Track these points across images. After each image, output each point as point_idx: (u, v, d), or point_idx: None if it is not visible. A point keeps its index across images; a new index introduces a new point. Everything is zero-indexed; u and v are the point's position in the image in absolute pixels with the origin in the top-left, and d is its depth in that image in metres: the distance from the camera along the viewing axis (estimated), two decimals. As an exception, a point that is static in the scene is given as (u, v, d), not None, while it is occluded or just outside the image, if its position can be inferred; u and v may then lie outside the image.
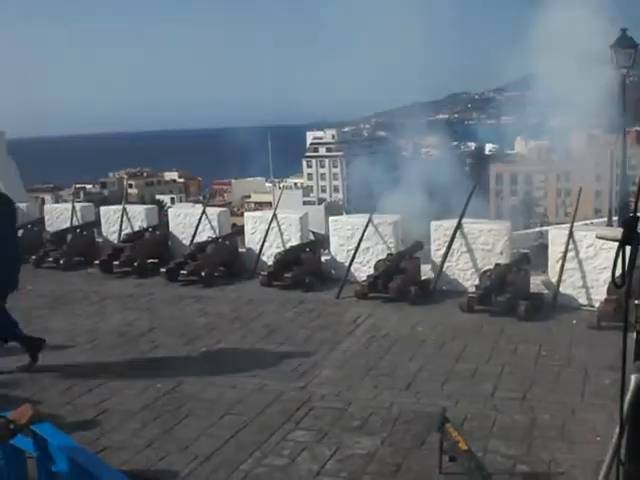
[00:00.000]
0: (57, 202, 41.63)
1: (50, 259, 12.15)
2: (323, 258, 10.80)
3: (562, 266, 8.79)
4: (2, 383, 6.77)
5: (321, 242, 11.26)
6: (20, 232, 12.77)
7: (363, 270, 10.07)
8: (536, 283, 9.10)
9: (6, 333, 7.12)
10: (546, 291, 8.98)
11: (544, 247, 9.66)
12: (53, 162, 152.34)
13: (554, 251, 9.00)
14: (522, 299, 8.47)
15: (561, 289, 8.81)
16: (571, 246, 8.82)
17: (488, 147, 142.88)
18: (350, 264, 10.04)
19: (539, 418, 5.72)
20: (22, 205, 13.83)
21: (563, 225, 9.82)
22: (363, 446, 5.36)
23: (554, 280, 8.90)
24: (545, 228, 11.12)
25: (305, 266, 10.28)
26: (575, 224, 9.11)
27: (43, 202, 28.13)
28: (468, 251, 9.56)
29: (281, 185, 77.78)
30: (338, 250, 10.53)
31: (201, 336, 8.22)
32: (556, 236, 9.05)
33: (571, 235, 8.84)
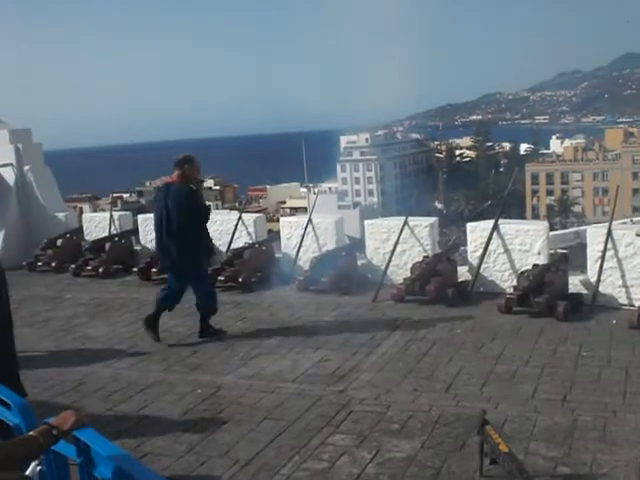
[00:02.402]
0: (95, 211, 42.13)
1: (89, 267, 12.31)
2: (359, 262, 10.79)
3: (601, 265, 8.70)
4: (45, 390, 6.85)
5: (357, 246, 11.25)
6: (59, 241, 13.01)
7: (399, 273, 10.05)
8: (575, 283, 9.00)
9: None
10: (585, 291, 8.90)
11: (582, 247, 9.57)
12: (90, 172, 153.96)
13: (592, 250, 8.91)
14: (561, 299, 8.40)
15: (600, 289, 8.72)
16: (610, 245, 8.73)
17: (523, 147, 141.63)
18: (386, 267, 10.02)
19: (580, 419, 5.67)
20: (60, 215, 14.03)
21: (601, 224, 9.70)
22: (403, 449, 5.35)
23: (593, 280, 8.81)
24: (583, 227, 10.99)
25: (342, 270, 10.28)
26: (613, 222, 9.01)
27: (81, 211, 28.49)
28: (505, 252, 9.50)
29: (316, 190, 77.77)
30: (374, 253, 10.52)
31: (239, 341, 8.27)
32: (594, 235, 8.96)
33: (610, 234, 8.75)
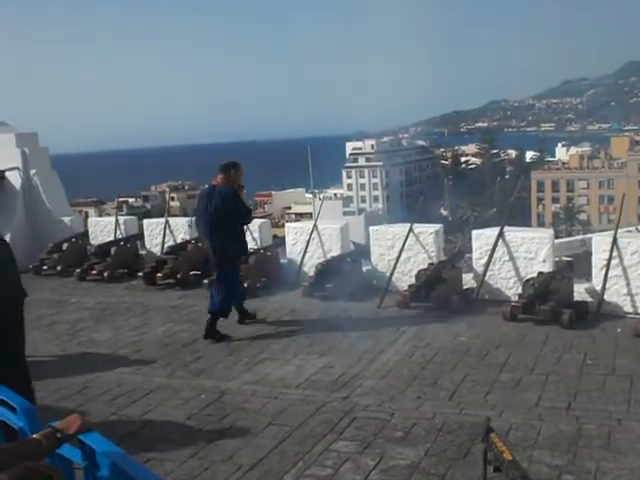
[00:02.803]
0: (101, 216, 42.21)
1: (94, 272, 12.35)
2: (364, 268, 10.79)
3: (606, 273, 8.69)
4: (50, 394, 6.86)
5: (362, 252, 11.25)
6: (65, 246, 13.04)
7: (404, 280, 10.05)
8: (580, 291, 8.99)
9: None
10: (590, 299, 8.88)
11: (588, 254, 9.56)
12: (96, 176, 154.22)
13: (598, 258, 8.90)
14: (566, 307, 8.39)
15: (605, 297, 8.71)
16: (615, 253, 8.72)
17: (529, 154, 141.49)
18: (391, 274, 10.03)
19: (584, 428, 5.66)
20: (66, 219, 14.06)
21: (606, 232, 9.68)
22: (406, 456, 5.35)
23: (598, 288, 8.80)
24: (588, 235, 10.98)
25: (346, 276, 10.28)
26: (619, 230, 9.00)
27: (87, 216, 28.56)
28: (510, 259, 9.49)
29: (321, 196, 77.85)
30: (379, 260, 10.52)
31: (244, 347, 8.28)
32: (600, 243, 8.95)
33: (615, 242, 8.74)
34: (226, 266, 8.74)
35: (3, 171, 14.07)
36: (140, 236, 13.33)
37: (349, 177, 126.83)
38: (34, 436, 3.04)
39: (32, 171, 14.23)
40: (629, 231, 12.20)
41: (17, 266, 5.83)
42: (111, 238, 13.22)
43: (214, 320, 8.69)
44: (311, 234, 11.01)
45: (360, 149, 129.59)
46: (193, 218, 11.73)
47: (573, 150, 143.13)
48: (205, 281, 10.89)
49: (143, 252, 13.10)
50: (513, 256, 9.47)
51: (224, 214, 8.48)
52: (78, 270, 12.44)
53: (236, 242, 8.78)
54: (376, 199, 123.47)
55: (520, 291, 9.02)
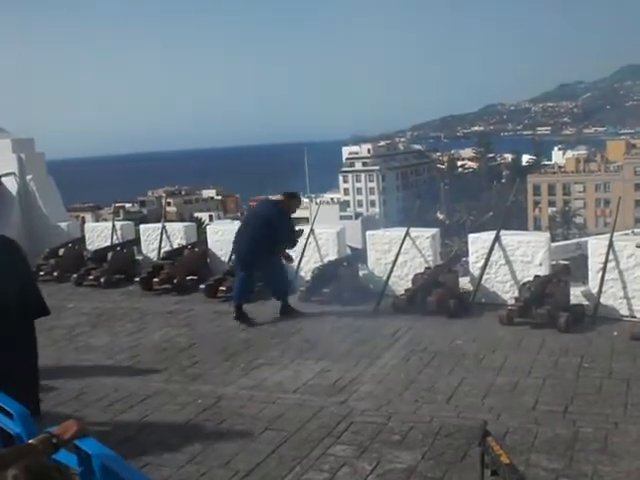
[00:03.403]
0: (97, 221, 42.19)
1: (91, 277, 12.32)
2: (361, 272, 10.79)
3: (602, 277, 8.70)
4: (46, 399, 6.85)
5: (358, 256, 11.25)
6: (61, 251, 13.02)
7: (401, 284, 10.05)
8: (576, 294, 9.00)
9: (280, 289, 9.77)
10: (587, 302, 8.90)
11: (584, 258, 9.57)
12: (93, 182, 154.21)
13: (594, 262, 8.91)
14: (562, 311, 8.40)
15: (602, 300, 8.72)
16: (611, 256, 8.73)
17: (525, 158, 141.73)
18: (388, 278, 10.03)
19: (581, 431, 5.67)
20: (63, 224, 14.06)
21: (602, 235, 9.70)
22: (403, 460, 5.35)
23: (594, 291, 8.81)
24: (584, 239, 10.99)
25: (343, 281, 10.29)
26: (615, 234, 9.01)
27: (84, 221, 28.54)
28: (507, 263, 9.50)
29: (318, 200, 77.83)
30: (375, 264, 10.52)
31: (241, 351, 8.27)
32: (596, 247, 8.96)
33: (611, 245, 8.75)
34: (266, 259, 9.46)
35: (-1, 176, 14.07)
36: (137, 241, 13.31)
37: (346, 181, 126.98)
38: (30, 441, 3.04)
39: (28, 177, 14.23)
40: (625, 234, 12.20)
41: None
42: (108, 243, 13.20)
43: (285, 300, 9.69)
44: (308, 238, 11.01)
45: (357, 153, 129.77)
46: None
47: (569, 154, 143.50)
48: (201, 286, 10.89)
49: (140, 257, 13.10)
50: (509, 260, 9.48)
51: (279, 227, 9.43)
52: (75, 275, 12.41)
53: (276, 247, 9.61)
54: (373, 203, 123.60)
55: (516, 295, 9.04)
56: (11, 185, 14.11)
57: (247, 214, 10.30)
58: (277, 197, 10.31)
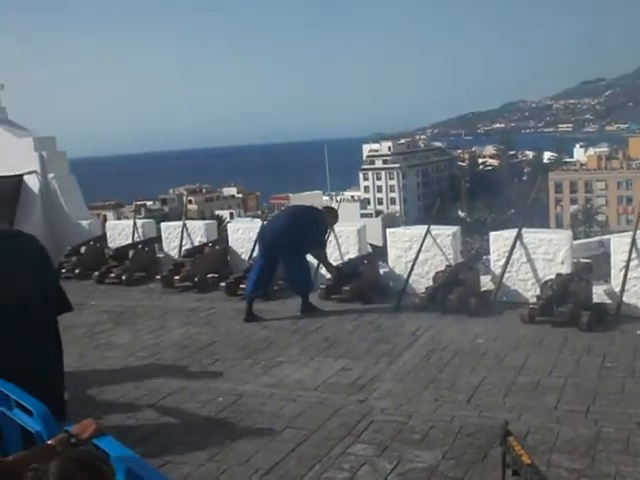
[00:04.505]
0: (119, 219, 42.39)
1: (112, 275, 12.37)
2: (381, 270, 10.77)
3: (625, 275, 8.62)
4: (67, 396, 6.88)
5: (379, 254, 11.22)
6: (83, 249, 13.10)
7: (422, 282, 10.01)
8: (599, 293, 8.92)
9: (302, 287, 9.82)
10: (609, 301, 8.82)
11: (606, 256, 9.49)
12: (114, 180, 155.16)
13: (616, 260, 8.83)
14: (585, 309, 8.33)
15: (624, 298, 8.64)
16: (634, 254, 8.65)
17: (547, 155, 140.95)
18: (408, 276, 9.99)
19: (603, 431, 5.61)
20: (84, 222, 14.12)
21: (625, 233, 9.61)
22: (424, 460, 5.32)
23: (617, 289, 8.73)
24: (606, 236, 10.90)
25: (364, 278, 10.26)
26: (638, 231, 8.93)
27: (105, 219, 28.66)
28: (528, 261, 9.44)
29: (338, 198, 77.81)
30: (396, 262, 10.49)
31: (261, 349, 8.27)
32: (618, 244, 8.88)
33: (634, 243, 8.67)
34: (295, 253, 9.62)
35: (21, 175, 14.15)
36: (158, 239, 13.35)
37: (366, 179, 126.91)
38: (48, 442, 3.05)
39: (50, 175, 14.29)
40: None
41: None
42: (129, 241, 13.25)
43: (306, 298, 9.70)
44: (328, 236, 10.99)
45: (377, 151, 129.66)
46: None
47: (591, 151, 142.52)
48: (222, 284, 10.90)
49: (161, 255, 13.13)
50: (531, 258, 9.41)
51: (312, 230, 9.73)
52: (96, 273, 12.48)
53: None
54: (393, 201, 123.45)
55: (538, 293, 8.97)
56: (33, 183, 14.18)
57: (281, 210, 10.42)
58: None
